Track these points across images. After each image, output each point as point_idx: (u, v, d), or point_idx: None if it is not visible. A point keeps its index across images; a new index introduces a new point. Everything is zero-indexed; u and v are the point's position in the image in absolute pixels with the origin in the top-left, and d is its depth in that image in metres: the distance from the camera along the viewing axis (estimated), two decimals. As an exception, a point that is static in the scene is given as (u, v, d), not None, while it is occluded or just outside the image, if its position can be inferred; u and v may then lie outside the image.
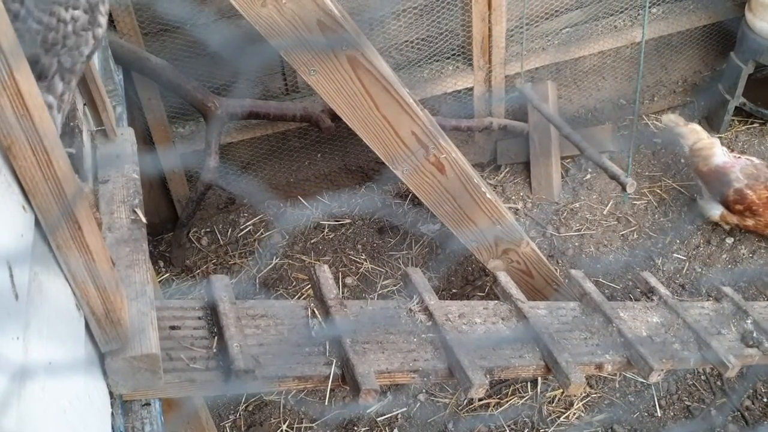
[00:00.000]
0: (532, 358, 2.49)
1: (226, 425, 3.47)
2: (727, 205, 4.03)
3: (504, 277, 2.81)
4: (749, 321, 2.99)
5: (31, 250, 1.22)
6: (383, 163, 3.21)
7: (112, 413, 1.60)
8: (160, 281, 4.05)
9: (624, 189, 3.70)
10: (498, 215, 3.33)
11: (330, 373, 2.14)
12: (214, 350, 2.03)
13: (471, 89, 4.42)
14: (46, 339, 1.21)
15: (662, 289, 3.03)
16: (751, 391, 3.52)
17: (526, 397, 3.54)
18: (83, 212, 1.32)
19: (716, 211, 4.11)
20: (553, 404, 3.52)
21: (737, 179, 3.96)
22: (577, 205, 4.51)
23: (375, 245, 4.31)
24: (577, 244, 4.29)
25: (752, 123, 4.90)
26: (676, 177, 4.64)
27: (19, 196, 1.21)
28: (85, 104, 2.13)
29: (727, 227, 4.18)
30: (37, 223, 1.26)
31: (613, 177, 3.73)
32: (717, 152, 4.07)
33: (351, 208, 4.53)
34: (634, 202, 4.51)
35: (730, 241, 4.24)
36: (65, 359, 1.29)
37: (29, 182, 1.21)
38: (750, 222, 3.99)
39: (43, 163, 1.20)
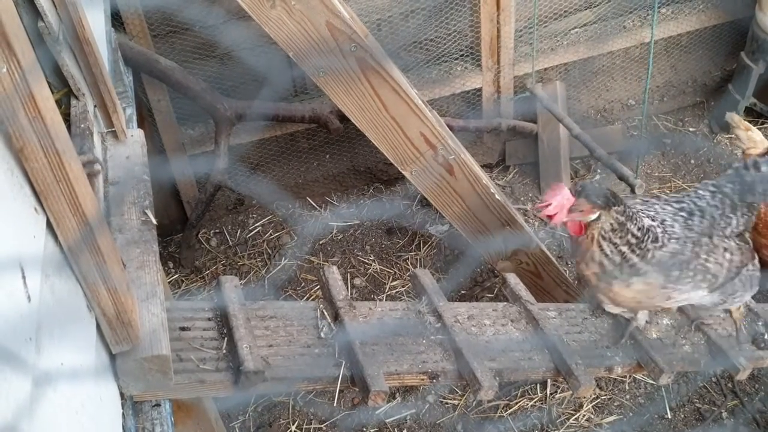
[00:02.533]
0: (542, 361, 2.48)
1: (236, 426, 3.47)
2: None
3: (513, 279, 2.80)
4: (760, 323, 2.97)
5: (43, 251, 1.22)
6: (392, 164, 3.21)
7: (123, 414, 1.60)
8: (169, 282, 4.06)
9: (633, 190, 3.68)
10: (507, 216, 3.32)
11: (339, 375, 2.14)
12: (224, 351, 2.03)
13: (479, 90, 4.41)
14: (58, 340, 1.21)
15: (672, 291, 3.01)
16: (763, 394, 3.50)
17: (536, 399, 3.52)
18: (95, 214, 1.33)
19: None
20: (563, 406, 3.50)
21: None
22: (586, 206, 4.48)
23: (383, 246, 4.31)
24: (586, 245, 4.26)
25: (763, 123, 4.86)
26: (686, 178, 4.62)
27: (31, 198, 1.22)
28: (95, 106, 2.14)
29: None
30: (49, 224, 1.27)
31: (622, 178, 3.72)
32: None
33: (359, 209, 4.53)
34: (644, 203, 4.49)
35: (740, 242, 4.21)
36: (77, 360, 1.29)
37: (41, 184, 1.21)
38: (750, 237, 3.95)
39: (54, 165, 1.21)
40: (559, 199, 2.18)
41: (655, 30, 4.57)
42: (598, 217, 2.22)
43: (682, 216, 2.44)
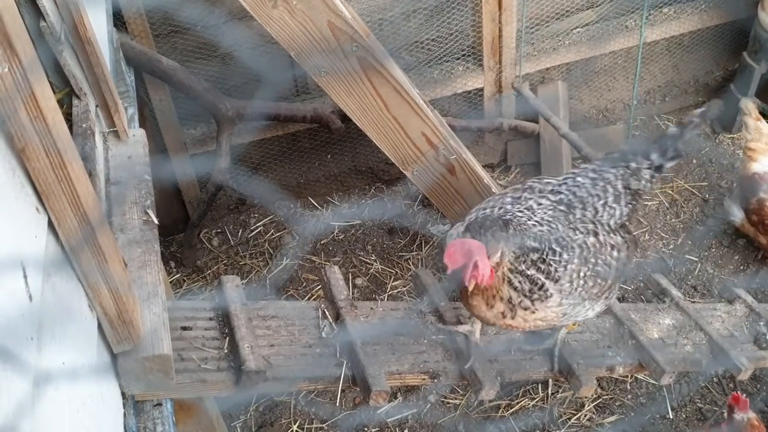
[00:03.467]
0: (543, 360, 2.48)
1: (237, 425, 3.47)
2: (747, 213, 3.94)
3: (515, 279, 2.80)
4: (762, 323, 2.97)
5: (45, 251, 1.22)
6: (393, 164, 3.21)
7: (125, 413, 1.60)
8: (171, 282, 4.07)
9: None
10: (508, 216, 3.32)
11: (340, 374, 2.14)
12: (226, 351, 2.04)
13: (481, 90, 4.41)
14: (59, 339, 1.21)
15: (674, 291, 3.02)
16: (765, 394, 3.50)
17: (537, 399, 3.52)
18: (97, 214, 1.33)
19: (737, 217, 4.03)
20: (564, 406, 3.50)
21: (766, 191, 3.86)
22: (587, 205, 4.48)
23: (385, 246, 4.31)
24: (587, 245, 4.26)
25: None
26: (688, 178, 4.61)
27: (33, 198, 1.22)
28: (97, 105, 2.15)
29: (750, 236, 4.06)
30: (51, 224, 1.27)
31: None
32: (761, 159, 3.96)
33: (361, 209, 4.53)
34: (646, 203, 4.48)
35: (742, 242, 4.20)
36: (78, 359, 1.29)
37: (43, 184, 1.21)
38: (763, 240, 3.89)
39: (56, 165, 1.21)
40: (480, 260, 1.86)
41: (655, 30, 4.57)
42: (503, 253, 1.98)
43: (561, 211, 2.21)
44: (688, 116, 2.50)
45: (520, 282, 2.05)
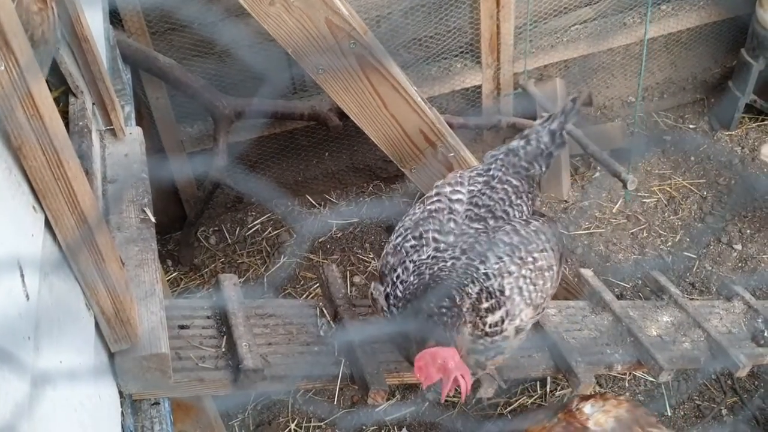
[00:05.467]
0: (542, 358, 2.48)
1: (235, 424, 3.47)
2: None
3: (513, 276, 2.79)
4: (760, 320, 2.97)
5: (41, 250, 1.22)
6: (391, 161, 3.21)
7: (122, 412, 1.60)
8: (168, 280, 4.06)
9: (625, 186, 3.67)
10: (507, 214, 3.31)
11: (339, 373, 2.14)
12: (223, 349, 2.03)
13: (479, 87, 4.40)
14: (57, 339, 1.21)
15: (672, 288, 3.02)
16: (763, 391, 3.50)
17: (535, 397, 3.52)
18: (94, 212, 1.32)
19: None
20: (563, 403, 3.50)
21: None
22: (586, 203, 4.49)
23: (383, 244, 4.31)
24: (586, 242, 4.27)
25: (763, 120, 4.86)
26: (686, 175, 4.61)
27: (29, 196, 1.21)
28: (93, 103, 2.14)
29: None
30: (47, 223, 1.26)
31: (615, 174, 3.71)
32: None
33: (359, 207, 4.52)
34: (644, 200, 4.49)
35: (739, 239, 4.21)
36: (75, 359, 1.29)
37: (39, 182, 1.21)
38: None
39: (53, 164, 1.20)
40: (459, 371, 1.70)
41: (652, 27, 4.56)
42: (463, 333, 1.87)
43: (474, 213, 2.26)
44: (565, 104, 2.60)
45: (477, 341, 1.95)
